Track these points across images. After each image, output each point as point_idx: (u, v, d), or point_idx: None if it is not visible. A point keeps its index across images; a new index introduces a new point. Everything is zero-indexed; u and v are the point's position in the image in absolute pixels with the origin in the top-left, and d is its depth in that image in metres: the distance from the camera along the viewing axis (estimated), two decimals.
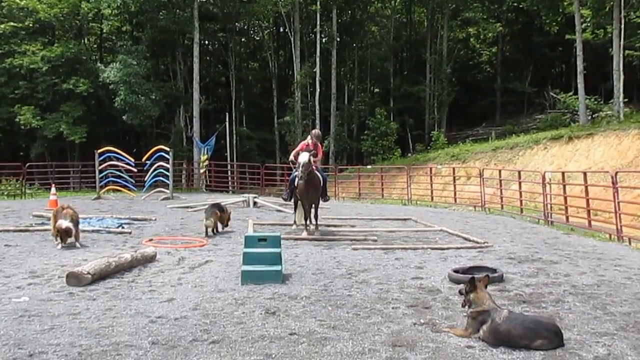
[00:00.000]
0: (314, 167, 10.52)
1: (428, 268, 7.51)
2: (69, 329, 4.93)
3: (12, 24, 29.04)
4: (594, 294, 6.16)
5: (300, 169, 10.10)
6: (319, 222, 11.05)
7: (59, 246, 8.97)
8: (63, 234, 8.93)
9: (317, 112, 32.97)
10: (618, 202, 11.13)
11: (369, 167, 27.04)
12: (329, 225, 12.04)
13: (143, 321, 5.15)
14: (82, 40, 33.48)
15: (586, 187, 12.91)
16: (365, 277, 7.00)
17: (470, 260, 7.99)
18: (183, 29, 32.32)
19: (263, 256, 6.76)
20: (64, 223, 8.93)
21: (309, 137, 11.38)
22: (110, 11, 29.81)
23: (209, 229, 10.50)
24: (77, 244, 9.17)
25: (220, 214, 10.90)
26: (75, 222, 9.21)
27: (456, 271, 6.83)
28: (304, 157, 10.21)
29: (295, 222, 11.35)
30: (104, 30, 33.56)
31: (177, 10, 32.38)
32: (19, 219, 13.03)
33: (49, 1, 29.31)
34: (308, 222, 10.80)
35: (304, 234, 10.47)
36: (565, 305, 5.73)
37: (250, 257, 6.77)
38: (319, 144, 11.38)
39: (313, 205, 10.79)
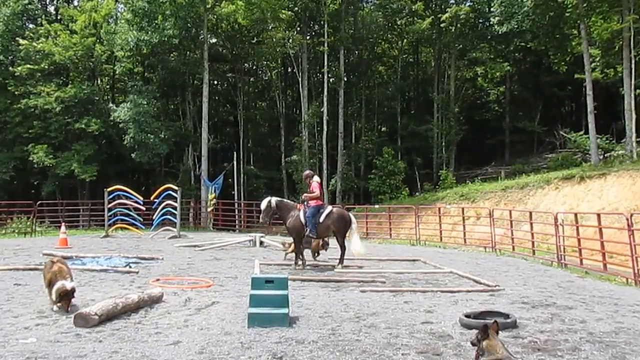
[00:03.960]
0: (298, 207, 11.81)
1: (438, 312, 7.36)
2: None
3: (28, 66, 29.78)
4: (612, 342, 5.97)
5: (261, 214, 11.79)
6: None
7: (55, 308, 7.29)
8: (67, 297, 7.17)
9: (325, 151, 33.10)
10: (634, 245, 10.87)
11: (376, 206, 26.83)
12: (335, 266, 11.92)
13: None
14: (95, 82, 34.21)
15: (600, 229, 12.58)
16: (374, 321, 6.87)
17: (482, 304, 7.82)
18: (193, 69, 33.10)
19: (270, 298, 6.68)
20: (68, 284, 7.22)
21: None
22: (123, 53, 30.58)
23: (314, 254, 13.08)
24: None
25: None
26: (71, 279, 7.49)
27: (467, 316, 6.67)
28: (262, 204, 11.74)
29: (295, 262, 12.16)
30: (117, 72, 34.26)
31: (188, 52, 33.20)
32: (29, 257, 13.02)
33: (65, 44, 30.13)
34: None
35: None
36: (582, 353, 5.56)
37: (257, 299, 6.68)
38: (315, 182, 12.06)
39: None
